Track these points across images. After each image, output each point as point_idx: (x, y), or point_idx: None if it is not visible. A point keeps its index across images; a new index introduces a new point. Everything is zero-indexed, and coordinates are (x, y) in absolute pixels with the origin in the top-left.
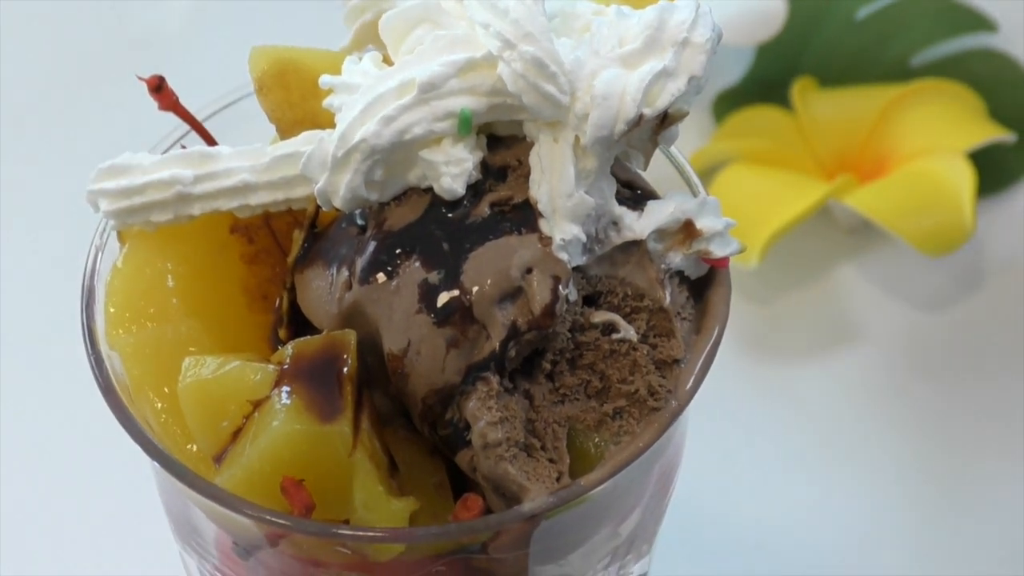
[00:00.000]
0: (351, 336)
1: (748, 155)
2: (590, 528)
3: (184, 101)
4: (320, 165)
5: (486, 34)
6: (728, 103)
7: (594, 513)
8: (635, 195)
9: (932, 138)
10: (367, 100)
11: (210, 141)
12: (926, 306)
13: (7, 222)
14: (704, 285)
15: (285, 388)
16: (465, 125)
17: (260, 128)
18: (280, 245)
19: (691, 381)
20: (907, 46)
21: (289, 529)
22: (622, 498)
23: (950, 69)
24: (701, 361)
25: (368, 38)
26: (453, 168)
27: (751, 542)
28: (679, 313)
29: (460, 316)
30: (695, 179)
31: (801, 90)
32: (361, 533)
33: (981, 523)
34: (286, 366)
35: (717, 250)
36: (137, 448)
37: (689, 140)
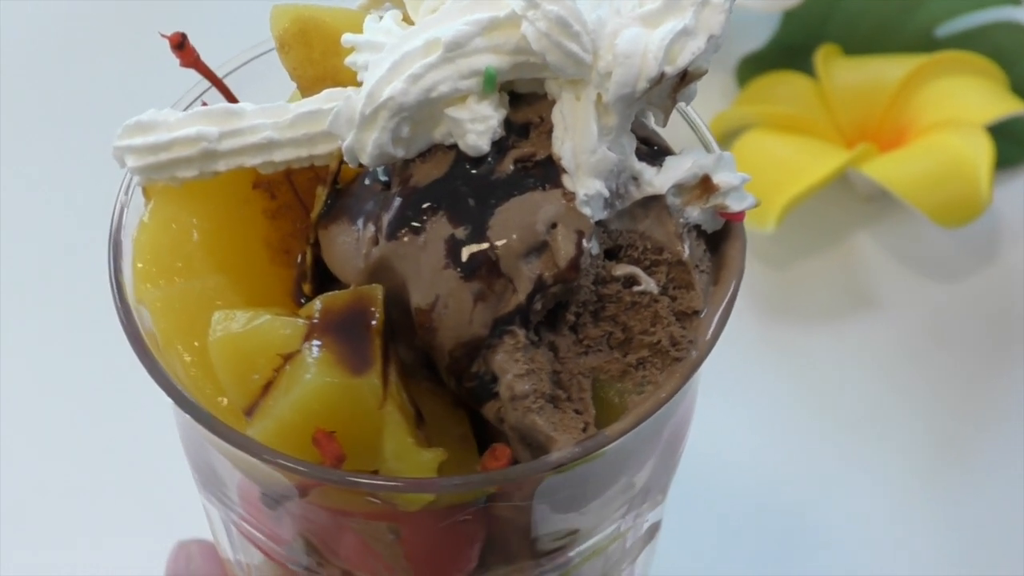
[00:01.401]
0: (378, 290)
1: (770, 120)
2: (611, 477)
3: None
4: (347, 122)
5: None
6: (752, 68)
7: (616, 462)
8: (652, 151)
9: (953, 110)
10: (394, 59)
11: (231, 98)
12: (941, 276)
13: (30, 177)
14: (719, 239)
15: (316, 342)
16: (490, 83)
17: (276, 84)
18: (301, 200)
19: (710, 331)
20: (932, 16)
21: (327, 480)
22: (642, 447)
23: (974, 41)
24: (720, 312)
25: None
26: (478, 125)
27: (755, 504)
28: (697, 266)
29: (487, 270)
30: (709, 136)
31: (825, 57)
32: (394, 483)
33: (993, 490)
34: (316, 320)
35: (734, 204)
36: (156, 401)
37: (712, 103)
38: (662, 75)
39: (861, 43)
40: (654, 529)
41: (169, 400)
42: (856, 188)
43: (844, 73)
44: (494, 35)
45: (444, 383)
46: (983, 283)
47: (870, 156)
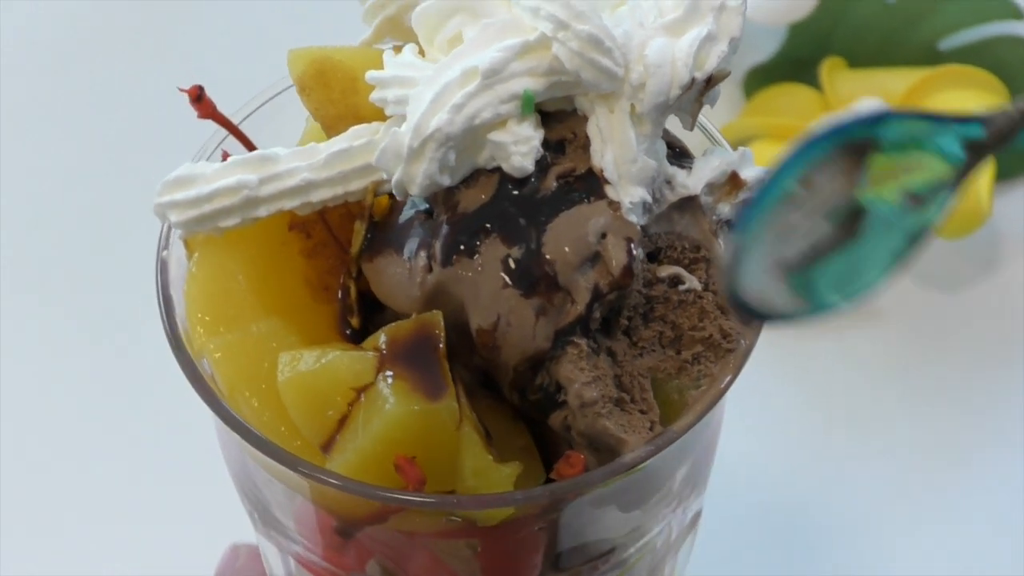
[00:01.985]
0: (438, 316)
1: (775, 131)
2: (672, 471)
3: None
4: (395, 157)
5: (535, 17)
6: (758, 80)
7: (679, 456)
8: (677, 154)
9: None
10: (435, 91)
11: (248, 145)
12: (941, 286)
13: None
14: None
15: (388, 372)
16: (528, 105)
17: (288, 124)
18: (336, 237)
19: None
20: (936, 30)
21: (422, 506)
22: (699, 439)
23: (977, 55)
24: None
25: (388, 31)
26: (522, 147)
27: (759, 506)
28: None
29: (546, 285)
30: (720, 137)
31: (829, 70)
32: (484, 499)
33: (993, 496)
34: (383, 351)
35: None
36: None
37: (719, 115)
38: (692, 81)
39: (865, 56)
40: (696, 518)
41: (212, 439)
42: None
43: (848, 85)
44: (527, 59)
45: (502, 398)
46: (983, 293)
47: None
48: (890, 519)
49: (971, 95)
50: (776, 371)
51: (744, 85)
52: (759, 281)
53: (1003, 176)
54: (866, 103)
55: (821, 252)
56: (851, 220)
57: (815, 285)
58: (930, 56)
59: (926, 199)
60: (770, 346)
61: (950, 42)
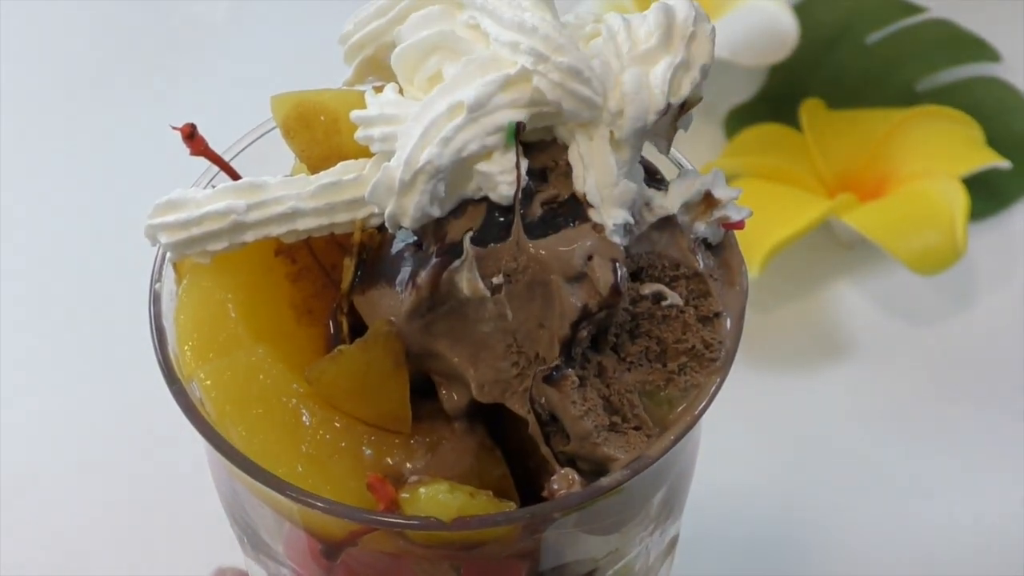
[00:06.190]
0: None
1: (755, 171)
2: (647, 495)
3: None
4: (387, 191)
5: (515, 52)
6: (739, 120)
7: (654, 479)
8: (652, 177)
9: (931, 162)
10: (423, 126)
11: (236, 179)
12: (917, 322)
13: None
14: (719, 249)
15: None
16: (512, 136)
17: (273, 166)
18: (319, 262)
19: (734, 330)
20: (914, 71)
21: (406, 528)
22: (673, 465)
23: (953, 95)
24: (738, 312)
25: (369, 71)
26: (508, 176)
27: (733, 538)
28: (711, 275)
29: None
30: (686, 163)
31: (809, 111)
32: (471, 520)
33: (968, 530)
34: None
35: (734, 215)
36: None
37: (700, 154)
38: (668, 106)
39: (844, 97)
40: (673, 542)
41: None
42: (837, 236)
43: (827, 126)
44: (510, 91)
45: (477, 427)
46: (957, 328)
47: (851, 206)
48: (865, 554)
49: (947, 135)
50: (753, 404)
51: (725, 125)
52: None
53: (977, 215)
54: None
55: None
56: None
57: None
58: (908, 97)
59: None
60: (747, 382)
61: (927, 83)
